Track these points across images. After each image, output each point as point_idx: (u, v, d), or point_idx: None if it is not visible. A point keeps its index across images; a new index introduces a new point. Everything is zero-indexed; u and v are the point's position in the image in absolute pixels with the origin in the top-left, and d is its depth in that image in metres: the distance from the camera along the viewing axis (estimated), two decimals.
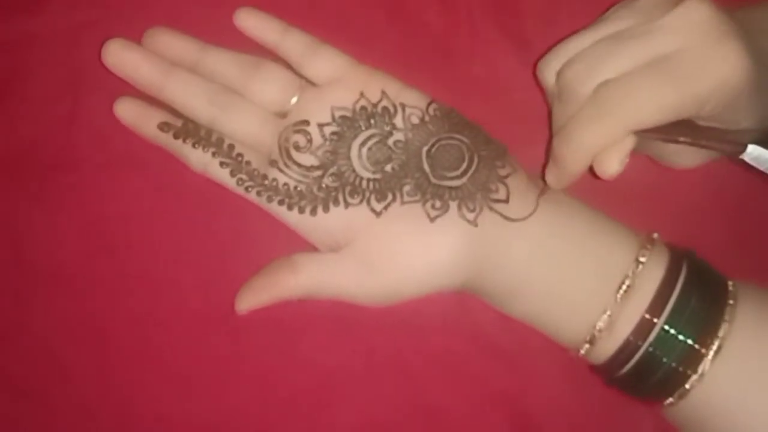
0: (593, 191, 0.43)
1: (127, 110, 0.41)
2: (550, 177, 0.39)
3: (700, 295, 0.38)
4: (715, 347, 0.37)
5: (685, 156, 0.42)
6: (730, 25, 0.36)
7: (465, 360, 0.42)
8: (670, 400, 0.38)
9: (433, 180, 0.39)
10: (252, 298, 0.40)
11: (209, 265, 0.41)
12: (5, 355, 0.41)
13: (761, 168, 0.37)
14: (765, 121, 0.39)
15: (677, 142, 0.38)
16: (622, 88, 0.35)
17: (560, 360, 0.41)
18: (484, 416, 0.42)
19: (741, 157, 0.37)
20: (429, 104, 0.40)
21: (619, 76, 0.36)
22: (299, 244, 0.41)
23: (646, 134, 0.36)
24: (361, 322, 0.41)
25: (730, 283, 0.39)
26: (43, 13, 0.42)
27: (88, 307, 0.41)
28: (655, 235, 0.40)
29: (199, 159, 0.40)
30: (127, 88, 0.41)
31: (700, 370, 0.37)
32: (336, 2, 0.44)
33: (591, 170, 0.38)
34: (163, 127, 0.40)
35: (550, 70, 0.38)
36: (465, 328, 0.42)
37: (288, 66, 0.41)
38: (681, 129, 0.37)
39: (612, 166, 0.36)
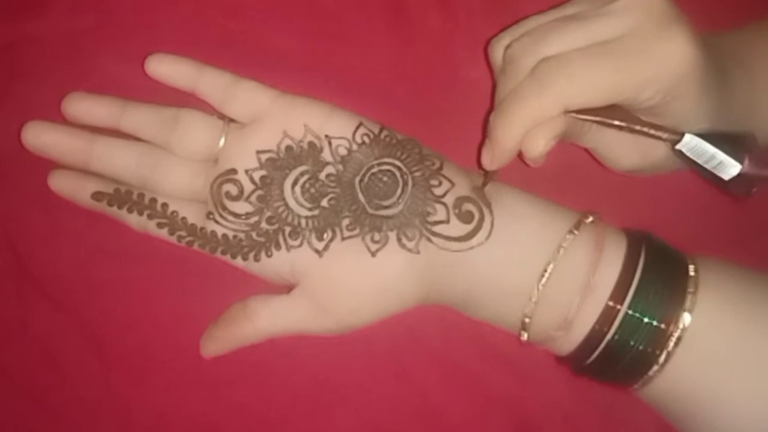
0: (594, 191, 0.43)
1: (61, 184, 0.41)
2: (485, 156, 0.38)
3: (661, 275, 0.38)
4: (681, 325, 0.37)
5: (621, 152, 0.41)
6: (679, 13, 0.36)
7: (465, 362, 0.42)
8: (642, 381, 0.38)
9: (370, 211, 0.39)
10: (214, 347, 0.40)
11: (209, 265, 0.41)
12: (5, 355, 0.41)
13: (698, 160, 0.37)
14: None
15: (611, 125, 0.37)
16: (560, 64, 0.35)
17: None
18: (484, 419, 0.42)
19: (677, 147, 0.37)
20: (356, 129, 0.40)
21: (560, 53, 0.36)
22: None
23: (579, 115, 0.36)
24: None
25: (688, 258, 0.39)
26: (44, 17, 0.43)
27: (88, 308, 0.41)
28: (590, 219, 0.39)
29: (137, 222, 0.40)
30: (127, 93, 0.41)
31: (668, 346, 0.37)
32: (336, 5, 0.45)
33: (520, 156, 0.38)
34: (98, 196, 0.40)
35: (500, 46, 0.39)
36: (464, 331, 0.42)
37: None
38: (616, 114, 0.37)
39: (538, 146, 0.36)
